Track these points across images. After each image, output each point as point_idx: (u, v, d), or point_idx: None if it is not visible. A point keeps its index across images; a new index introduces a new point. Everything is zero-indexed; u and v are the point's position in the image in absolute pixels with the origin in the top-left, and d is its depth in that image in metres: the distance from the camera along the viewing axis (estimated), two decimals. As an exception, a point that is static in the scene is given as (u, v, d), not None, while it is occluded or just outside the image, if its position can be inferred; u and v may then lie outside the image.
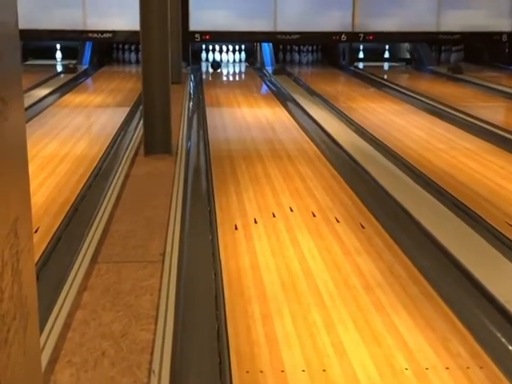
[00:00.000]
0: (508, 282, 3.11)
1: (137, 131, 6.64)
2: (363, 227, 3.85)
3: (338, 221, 3.96)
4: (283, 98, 9.14)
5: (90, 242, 3.55)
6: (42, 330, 2.53)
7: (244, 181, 4.93)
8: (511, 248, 3.53)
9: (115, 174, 4.97)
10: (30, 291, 1.25)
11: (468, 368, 2.39)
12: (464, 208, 4.17)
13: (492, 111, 8.28)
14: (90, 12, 12.65)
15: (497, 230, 3.77)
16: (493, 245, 3.55)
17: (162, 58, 5.61)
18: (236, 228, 3.85)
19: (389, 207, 4.24)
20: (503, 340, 2.60)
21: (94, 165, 5.26)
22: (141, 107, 6.27)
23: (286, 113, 8.03)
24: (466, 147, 6.05)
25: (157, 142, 5.63)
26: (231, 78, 12.94)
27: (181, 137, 6.37)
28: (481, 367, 2.39)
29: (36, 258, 3.24)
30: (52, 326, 2.60)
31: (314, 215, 4.07)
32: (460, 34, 13.02)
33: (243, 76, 13.13)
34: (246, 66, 13.55)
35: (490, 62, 13.27)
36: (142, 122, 5.97)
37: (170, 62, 5.68)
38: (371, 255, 3.43)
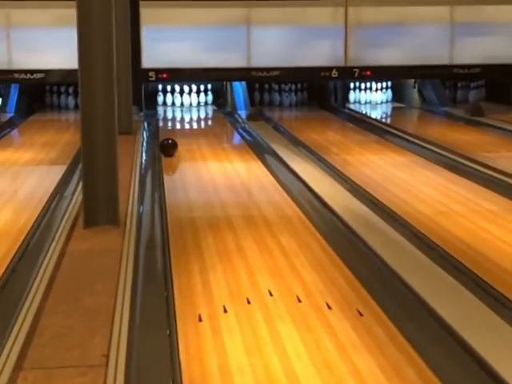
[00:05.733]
0: None
1: (75, 196, 6.67)
2: (361, 315, 3.88)
3: (329, 307, 4.00)
4: (260, 151, 9.27)
5: (14, 342, 3.53)
6: None
7: (210, 256, 4.97)
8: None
9: (47, 253, 4.98)
10: None
11: None
12: (489, 289, 4.23)
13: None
14: (17, 46, 12.78)
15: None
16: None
17: (106, 102, 5.68)
18: (200, 320, 3.86)
19: (394, 290, 4.30)
20: None
21: (21, 241, 5.27)
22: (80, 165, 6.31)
23: (264, 169, 8.13)
24: (489, 209, 6.15)
25: (99, 209, 5.66)
26: (195, 126, 13.10)
27: (131, 202, 6.41)
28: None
29: None
30: None
31: (300, 300, 4.10)
32: (479, 66, 13.32)
33: (210, 122, 13.30)
34: (214, 110, 13.75)
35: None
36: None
37: (116, 106, 5.77)
38: (372, 351, 3.45)
